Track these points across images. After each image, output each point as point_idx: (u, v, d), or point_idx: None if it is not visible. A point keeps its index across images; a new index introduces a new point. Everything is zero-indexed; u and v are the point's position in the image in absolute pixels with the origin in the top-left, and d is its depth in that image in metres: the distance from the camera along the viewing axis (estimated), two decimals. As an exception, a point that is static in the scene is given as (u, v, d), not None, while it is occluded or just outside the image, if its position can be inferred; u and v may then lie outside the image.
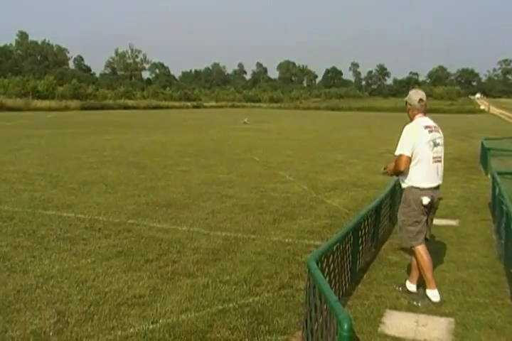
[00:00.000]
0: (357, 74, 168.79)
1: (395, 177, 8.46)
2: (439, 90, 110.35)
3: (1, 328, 4.04)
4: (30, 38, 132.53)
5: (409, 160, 4.81)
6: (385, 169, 5.25)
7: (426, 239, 5.05)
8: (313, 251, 5.48)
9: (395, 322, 4.37)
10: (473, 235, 7.28)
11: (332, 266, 4.37)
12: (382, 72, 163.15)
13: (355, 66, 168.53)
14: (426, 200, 4.83)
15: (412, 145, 4.77)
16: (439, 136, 4.94)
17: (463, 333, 4.17)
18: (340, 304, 3.02)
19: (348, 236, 5.00)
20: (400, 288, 5.09)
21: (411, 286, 5.07)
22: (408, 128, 4.92)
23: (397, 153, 4.86)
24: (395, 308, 4.67)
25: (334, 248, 4.47)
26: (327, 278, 4.03)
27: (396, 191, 8.25)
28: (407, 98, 5.06)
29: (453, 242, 6.78)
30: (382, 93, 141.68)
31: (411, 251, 5.14)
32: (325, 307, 3.20)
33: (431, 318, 4.46)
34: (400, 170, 4.87)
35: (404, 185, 5.00)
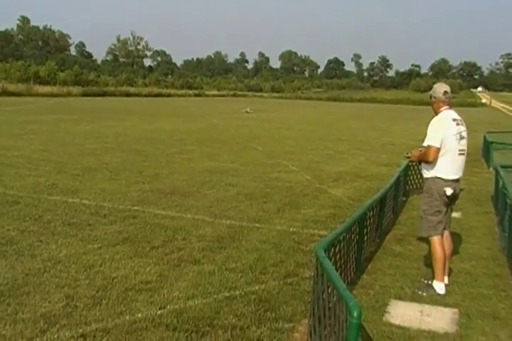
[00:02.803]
0: (359, 65, 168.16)
1: (398, 169, 8.54)
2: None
3: (12, 310, 4.09)
4: (32, 23, 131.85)
5: (438, 151, 4.86)
6: (407, 154, 5.33)
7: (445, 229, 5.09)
8: (318, 240, 5.55)
9: (400, 311, 4.42)
10: (476, 227, 7.33)
11: (338, 255, 4.41)
12: (384, 63, 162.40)
13: (357, 57, 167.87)
14: (449, 191, 4.90)
15: (441, 137, 4.84)
16: (464, 129, 5.03)
17: (467, 323, 4.22)
18: (349, 292, 3.06)
19: (354, 226, 5.04)
20: (429, 281, 5.04)
21: (443, 280, 5.02)
22: (437, 120, 4.99)
23: (425, 143, 4.93)
24: (400, 298, 4.71)
25: (341, 237, 4.50)
26: (333, 267, 4.07)
27: (400, 182, 8.31)
28: (431, 91, 5.14)
29: (456, 234, 6.81)
30: (384, 85, 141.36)
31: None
32: (333, 294, 3.24)
33: (435, 308, 4.51)
34: (428, 161, 4.93)
35: (427, 175, 5.05)
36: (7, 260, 5.20)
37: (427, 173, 5.07)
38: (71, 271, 4.98)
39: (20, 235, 6.05)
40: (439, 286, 4.89)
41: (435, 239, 4.99)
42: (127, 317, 4.07)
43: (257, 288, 4.79)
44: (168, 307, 4.30)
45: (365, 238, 5.56)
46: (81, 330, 3.82)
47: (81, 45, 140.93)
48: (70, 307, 4.21)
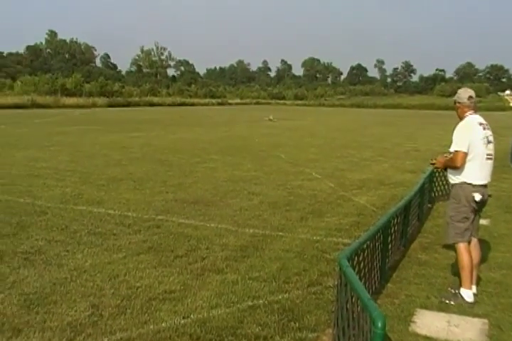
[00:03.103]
0: (382, 71, 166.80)
1: (423, 176, 8.44)
2: (467, 87, 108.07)
3: (40, 318, 4.17)
4: (59, 37, 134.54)
5: (466, 156, 4.80)
6: (432, 161, 5.29)
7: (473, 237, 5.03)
8: (342, 248, 5.51)
9: (427, 321, 4.35)
10: (506, 235, 7.18)
11: (362, 264, 4.37)
12: (408, 68, 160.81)
13: (380, 63, 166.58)
14: (478, 197, 4.83)
15: (468, 141, 4.79)
16: (490, 134, 4.97)
17: (498, 335, 4.12)
18: (374, 302, 3.02)
19: (378, 235, 4.98)
20: (456, 291, 4.93)
21: (471, 288, 4.92)
22: (463, 125, 4.93)
23: (452, 149, 4.87)
24: (426, 308, 4.64)
25: (364, 246, 4.46)
26: (357, 276, 4.03)
27: (424, 189, 8.20)
28: (455, 97, 5.11)
29: (484, 242, 6.68)
30: (408, 90, 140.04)
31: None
32: (357, 304, 3.21)
33: (463, 319, 4.42)
34: (456, 166, 4.86)
35: (454, 181, 4.99)
36: (36, 269, 5.31)
37: (454, 179, 5.00)
38: (96, 281, 5.05)
39: (48, 245, 6.16)
40: (467, 294, 4.79)
41: (461, 246, 4.91)
42: (151, 327, 4.10)
43: (280, 297, 4.77)
44: (191, 316, 4.31)
45: (390, 246, 5.50)
46: (106, 339, 3.87)
47: (106, 57, 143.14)
48: (96, 316, 4.26)
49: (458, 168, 4.86)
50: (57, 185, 9.97)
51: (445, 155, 5.09)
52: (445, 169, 5.15)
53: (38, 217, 7.45)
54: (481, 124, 4.92)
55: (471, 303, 4.71)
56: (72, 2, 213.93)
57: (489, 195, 5.04)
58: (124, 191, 9.55)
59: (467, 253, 4.89)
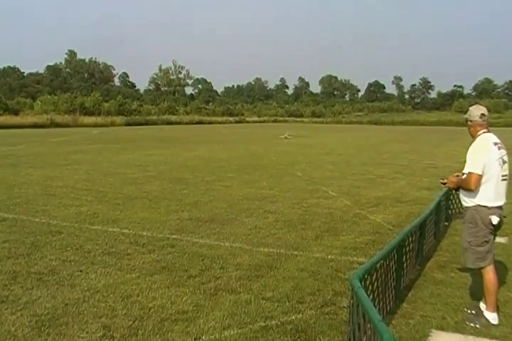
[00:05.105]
0: (400, 87, 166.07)
1: (439, 193, 8.35)
2: (485, 103, 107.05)
3: (51, 340, 4.16)
4: (79, 56, 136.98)
5: (481, 178, 4.64)
6: (443, 181, 5.12)
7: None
8: (357, 267, 5.43)
9: (442, 343, 4.26)
10: (524, 253, 7.04)
11: (376, 283, 4.31)
12: (426, 85, 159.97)
13: (398, 80, 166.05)
14: (495, 220, 4.68)
15: (483, 162, 4.64)
16: (505, 153, 4.81)
17: (514, 357, 4.02)
18: (385, 323, 2.97)
19: (392, 254, 4.93)
20: (472, 311, 4.83)
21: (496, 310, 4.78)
22: (477, 145, 4.78)
23: (466, 170, 4.71)
24: (442, 328, 4.55)
25: (378, 265, 4.41)
26: (371, 296, 3.97)
27: (441, 207, 8.11)
28: (467, 115, 4.95)
29: (502, 261, 6.56)
30: (426, 106, 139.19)
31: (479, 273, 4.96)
32: (369, 326, 3.16)
33: (480, 340, 4.32)
34: (470, 189, 4.70)
35: (469, 204, 4.82)
36: (48, 289, 5.33)
37: (467, 201, 4.84)
38: (109, 301, 5.04)
39: (62, 265, 6.19)
40: (492, 316, 4.68)
41: (488, 269, 4.79)
42: (163, 348, 4.07)
43: (293, 317, 4.73)
44: (203, 337, 4.28)
45: (405, 265, 5.43)
46: (116, 361, 3.84)
47: (124, 76, 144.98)
48: (107, 337, 4.25)
49: (472, 191, 4.72)
50: (73, 204, 10.05)
51: (456, 174, 4.99)
52: (457, 189, 5.03)
53: (52, 236, 7.51)
54: (496, 144, 4.76)
55: (488, 326, 4.60)
56: (90, 21, 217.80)
57: (504, 216, 4.91)
58: (140, 210, 9.60)
59: (494, 276, 4.77)
